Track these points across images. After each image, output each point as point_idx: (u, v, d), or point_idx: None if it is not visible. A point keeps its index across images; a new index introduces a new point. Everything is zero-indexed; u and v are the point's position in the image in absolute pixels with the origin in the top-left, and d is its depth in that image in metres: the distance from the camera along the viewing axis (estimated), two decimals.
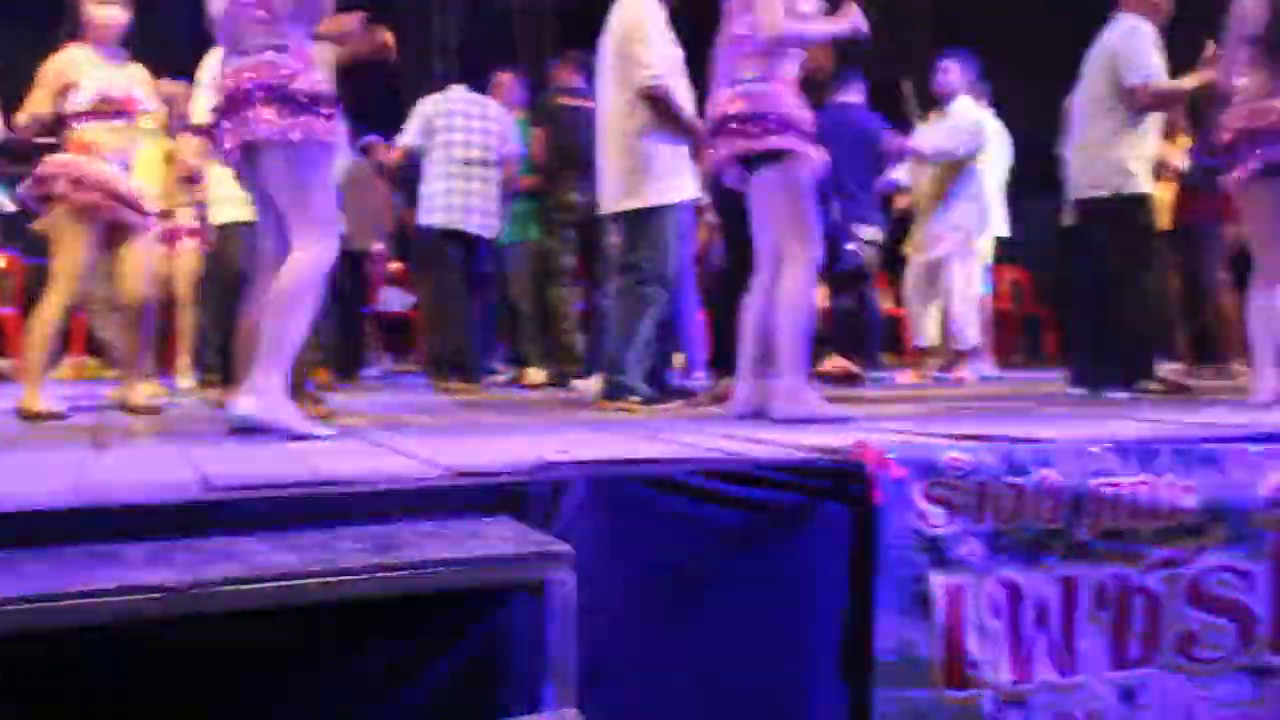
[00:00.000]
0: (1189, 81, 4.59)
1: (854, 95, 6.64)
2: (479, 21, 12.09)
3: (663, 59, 4.32)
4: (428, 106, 6.20)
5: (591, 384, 5.77)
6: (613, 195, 4.45)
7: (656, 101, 4.28)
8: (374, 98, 7.02)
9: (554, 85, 6.59)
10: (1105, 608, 2.54)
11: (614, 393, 4.27)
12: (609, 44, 4.45)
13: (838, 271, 6.12)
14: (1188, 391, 4.62)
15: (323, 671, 1.82)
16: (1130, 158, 4.65)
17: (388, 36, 3.89)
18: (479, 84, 6.45)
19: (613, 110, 4.42)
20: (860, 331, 6.67)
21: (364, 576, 1.68)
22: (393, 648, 1.87)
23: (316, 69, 3.00)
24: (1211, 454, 2.64)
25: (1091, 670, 2.51)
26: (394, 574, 1.70)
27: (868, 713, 2.31)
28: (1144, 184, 4.71)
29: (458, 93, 6.24)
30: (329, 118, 2.94)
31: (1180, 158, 6.27)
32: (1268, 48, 3.73)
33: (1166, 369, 5.10)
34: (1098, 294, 4.79)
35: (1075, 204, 4.88)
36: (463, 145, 6.08)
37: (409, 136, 6.21)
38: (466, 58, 10.82)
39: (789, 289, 3.49)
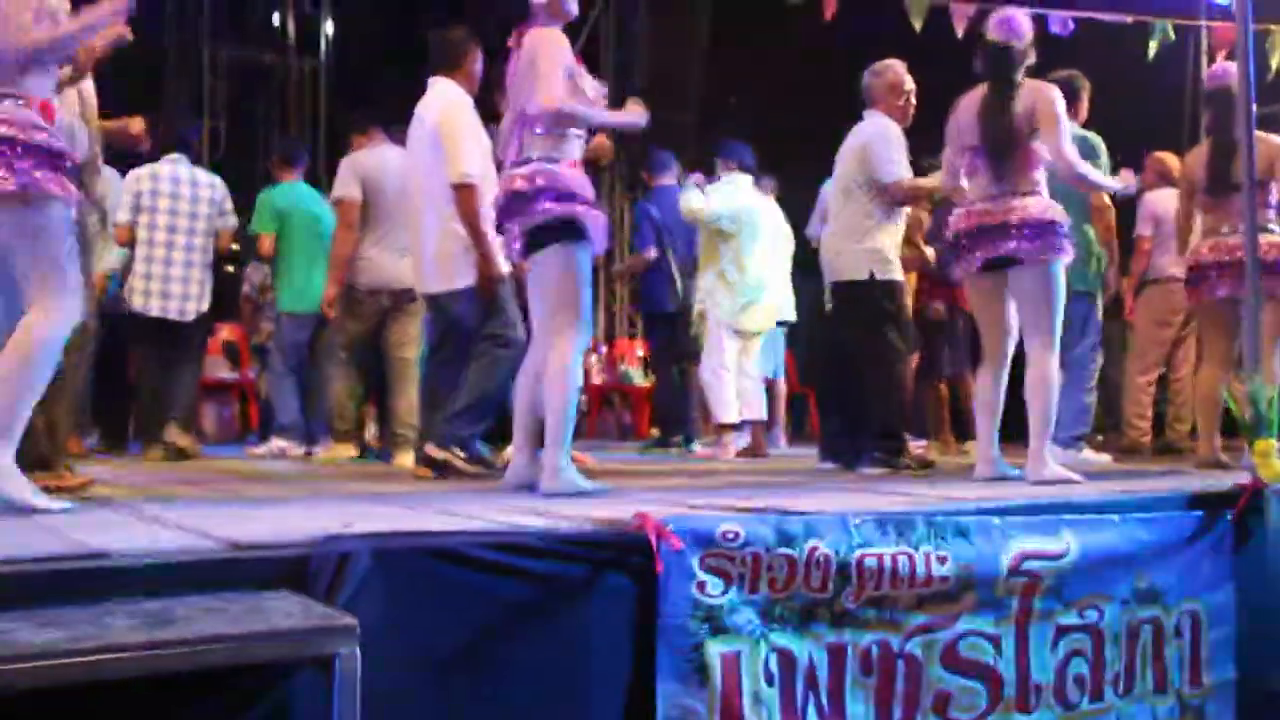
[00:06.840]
0: (929, 182, 4.90)
1: (669, 178, 6.87)
2: None
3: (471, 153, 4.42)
4: (137, 182, 5.86)
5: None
6: (445, 275, 4.49)
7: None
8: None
9: None
10: (870, 673, 2.67)
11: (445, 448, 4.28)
12: (424, 134, 4.51)
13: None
14: (932, 467, 4.93)
15: None
16: (881, 245, 4.94)
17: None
18: None
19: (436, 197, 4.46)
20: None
21: (138, 654, 1.60)
22: None
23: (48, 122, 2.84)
24: (960, 526, 2.84)
25: None
26: (170, 651, 1.63)
27: None
28: (895, 271, 5.01)
29: (167, 166, 5.93)
30: (60, 172, 2.79)
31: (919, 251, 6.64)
32: (986, 156, 4.10)
33: (915, 445, 5.41)
34: (853, 374, 5.06)
35: (832, 288, 5.13)
36: (167, 228, 5.82)
37: (123, 213, 5.81)
38: None
39: (555, 367, 3.54)
